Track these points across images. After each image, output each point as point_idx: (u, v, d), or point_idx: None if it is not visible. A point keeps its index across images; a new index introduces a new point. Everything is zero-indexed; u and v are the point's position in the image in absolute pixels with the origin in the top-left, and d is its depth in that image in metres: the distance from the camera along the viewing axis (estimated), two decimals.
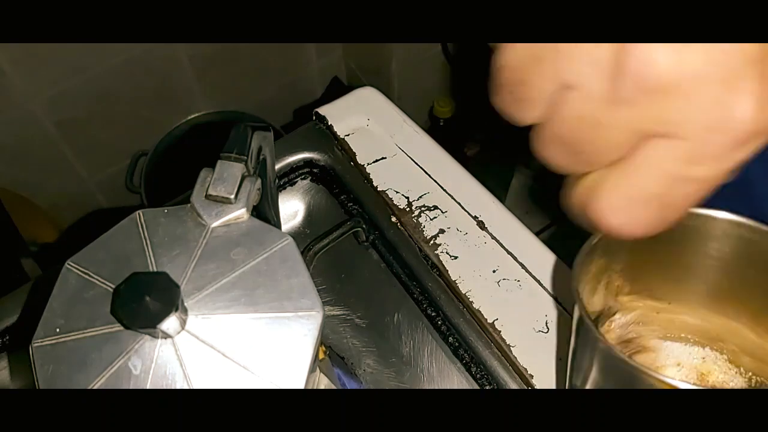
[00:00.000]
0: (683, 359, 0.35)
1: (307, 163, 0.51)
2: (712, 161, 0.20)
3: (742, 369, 0.34)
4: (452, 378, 0.43)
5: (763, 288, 0.30)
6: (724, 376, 0.34)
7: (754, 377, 0.33)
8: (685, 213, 0.22)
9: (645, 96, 0.19)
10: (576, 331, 0.30)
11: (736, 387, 0.33)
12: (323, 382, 0.36)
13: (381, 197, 0.48)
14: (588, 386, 0.30)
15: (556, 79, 0.21)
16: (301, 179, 0.52)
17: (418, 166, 0.49)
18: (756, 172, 0.37)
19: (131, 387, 0.25)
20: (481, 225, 0.46)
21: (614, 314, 0.34)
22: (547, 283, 0.43)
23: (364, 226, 0.48)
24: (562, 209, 0.24)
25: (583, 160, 0.22)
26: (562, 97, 0.21)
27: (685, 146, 0.20)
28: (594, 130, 0.21)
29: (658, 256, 0.24)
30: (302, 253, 0.35)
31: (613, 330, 0.35)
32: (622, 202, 0.22)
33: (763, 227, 0.28)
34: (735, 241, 0.29)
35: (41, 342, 0.26)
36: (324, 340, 0.44)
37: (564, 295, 0.42)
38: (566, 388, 0.34)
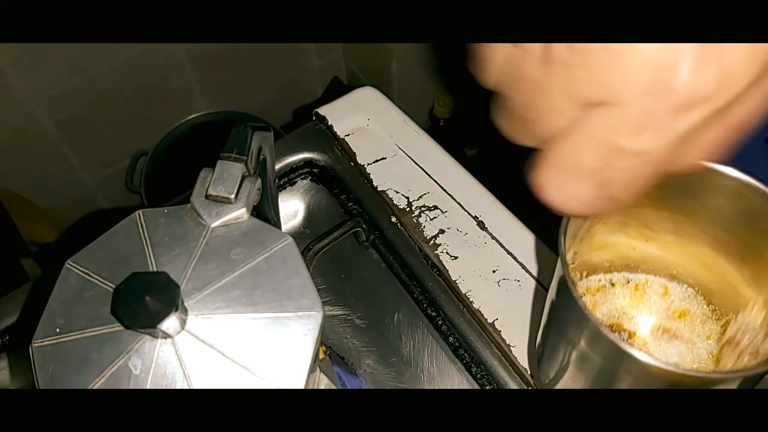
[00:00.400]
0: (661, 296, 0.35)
1: (307, 163, 0.51)
2: (652, 131, 0.18)
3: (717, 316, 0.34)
4: (452, 378, 0.43)
5: (762, 253, 0.29)
6: (702, 318, 0.34)
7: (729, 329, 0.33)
8: (634, 193, 0.21)
9: (576, 55, 0.18)
10: (557, 290, 0.30)
11: (713, 335, 0.33)
12: (323, 382, 0.36)
13: (381, 197, 0.48)
14: (562, 354, 0.30)
15: None
16: (301, 179, 0.52)
17: (418, 166, 0.49)
18: (755, 149, 0.37)
19: (131, 387, 0.25)
20: (481, 225, 0.46)
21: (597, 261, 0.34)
22: (548, 283, 0.43)
23: (364, 226, 0.48)
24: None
25: (529, 129, 0.21)
26: (511, 58, 0.20)
27: (622, 114, 0.18)
28: (536, 95, 0.20)
29: (656, 199, 0.24)
30: (302, 253, 0.35)
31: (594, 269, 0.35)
32: (559, 176, 0.21)
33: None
34: (739, 201, 0.29)
35: (41, 342, 0.26)
36: (324, 340, 0.44)
37: None
38: (537, 339, 0.34)
